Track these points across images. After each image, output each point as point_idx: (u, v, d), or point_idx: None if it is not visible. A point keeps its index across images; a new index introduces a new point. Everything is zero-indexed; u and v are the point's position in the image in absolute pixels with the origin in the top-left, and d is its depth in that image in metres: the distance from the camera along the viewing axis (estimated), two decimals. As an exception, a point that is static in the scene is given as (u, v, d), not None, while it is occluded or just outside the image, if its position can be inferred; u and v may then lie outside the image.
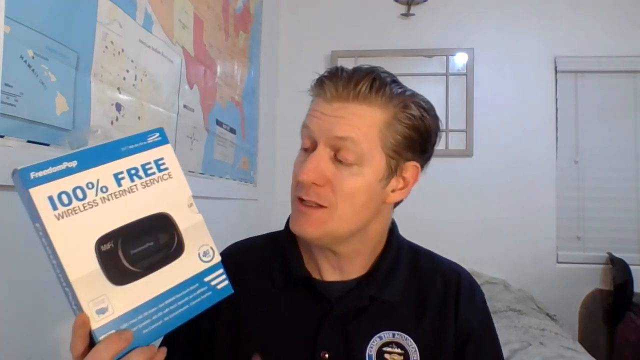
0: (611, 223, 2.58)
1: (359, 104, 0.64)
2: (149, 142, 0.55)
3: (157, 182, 0.54)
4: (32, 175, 0.46)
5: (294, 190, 0.68)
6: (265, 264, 0.75)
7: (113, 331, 0.48)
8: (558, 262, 2.59)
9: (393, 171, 0.67)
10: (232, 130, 1.82)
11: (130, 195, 0.52)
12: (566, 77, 2.63)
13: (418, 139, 0.67)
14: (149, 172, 0.54)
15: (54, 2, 0.79)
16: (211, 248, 0.57)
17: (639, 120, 2.59)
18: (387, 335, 0.68)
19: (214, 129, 1.61)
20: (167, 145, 0.56)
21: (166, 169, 0.55)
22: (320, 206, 0.64)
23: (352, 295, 0.70)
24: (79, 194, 0.48)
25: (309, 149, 0.67)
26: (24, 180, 0.46)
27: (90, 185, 0.49)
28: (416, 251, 0.77)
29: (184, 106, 1.35)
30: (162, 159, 0.55)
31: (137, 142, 0.54)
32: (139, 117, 1.08)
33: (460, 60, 2.68)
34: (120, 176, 0.51)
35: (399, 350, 0.67)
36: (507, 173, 2.61)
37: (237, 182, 1.90)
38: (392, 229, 0.76)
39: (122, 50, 1.00)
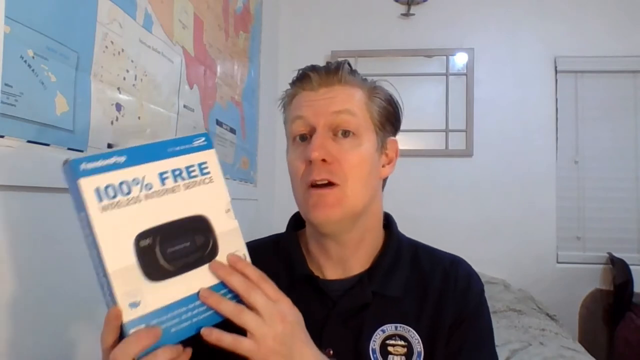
0: (611, 223, 2.58)
1: (342, 85, 0.70)
2: (194, 145, 0.56)
3: (199, 185, 0.56)
4: (83, 166, 0.48)
5: (302, 178, 0.68)
6: (269, 265, 0.75)
7: (143, 326, 0.49)
8: (558, 262, 2.59)
9: (380, 145, 0.72)
10: (232, 130, 1.82)
11: (172, 195, 0.53)
12: (566, 77, 2.63)
13: (393, 111, 0.74)
14: (192, 174, 0.55)
15: (54, 2, 0.79)
16: (244, 255, 0.58)
17: (639, 120, 2.59)
18: (389, 329, 0.69)
19: (214, 129, 1.61)
20: (211, 150, 0.57)
21: (208, 173, 0.57)
22: (332, 185, 0.66)
23: (355, 292, 0.71)
24: (125, 188, 0.50)
25: (306, 135, 0.69)
26: (74, 170, 0.47)
27: (135, 182, 0.51)
28: (416, 247, 0.78)
29: (184, 106, 1.35)
30: (205, 162, 0.57)
31: (183, 145, 0.55)
32: (139, 117, 1.08)
33: (460, 60, 2.68)
34: (164, 175, 0.53)
35: (402, 343, 0.68)
36: (507, 173, 2.61)
37: (237, 182, 1.90)
38: (391, 225, 0.78)
39: (122, 50, 1.00)
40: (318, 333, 0.68)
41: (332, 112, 0.67)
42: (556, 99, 2.64)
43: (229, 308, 0.53)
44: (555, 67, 2.63)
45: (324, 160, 0.66)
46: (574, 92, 2.64)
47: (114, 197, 0.49)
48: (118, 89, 0.99)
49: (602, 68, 2.60)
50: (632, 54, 2.56)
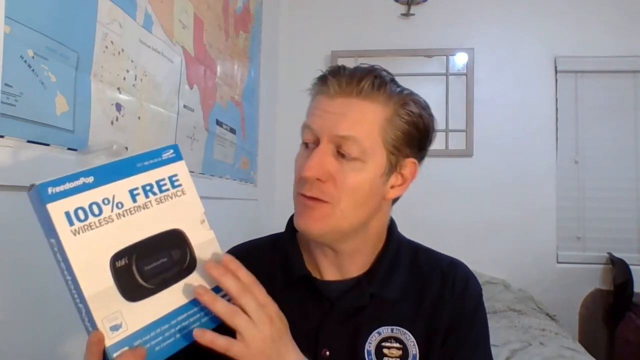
0: (611, 223, 2.58)
1: (361, 100, 0.65)
2: (163, 158, 0.55)
3: (171, 198, 0.55)
4: (50, 190, 0.46)
5: (296, 187, 0.69)
6: (267, 265, 0.75)
7: (126, 348, 0.48)
8: (558, 262, 2.59)
9: (393, 167, 0.68)
10: (232, 130, 1.82)
11: (145, 211, 0.52)
12: (566, 77, 2.63)
13: (417, 135, 0.69)
14: (163, 188, 0.54)
15: (54, 2, 0.79)
16: None
17: (639, 120, 2.59)
18: (385, 331, 0.69)
19: (214, 129, 1.61)
20: (181, 162, 0.57)
21: (179, 185, 0.56)
22: (323, 201, 0.65)
23: (353, 294, 0.70)
24: (95, 209, 0.49)
25: (310, 144, 0.68)
26: (41, 195, 0.46)
27: (106, 201, 0.50)
28: (416, 249, 0.77)
29: (184, 106, 1.35)
30: (175, 175, 0.56)
31: (152, 159, 0.54)
32: (139, 117, 1.08)
33: (460, 60, 2.68)
34: (135, 192, 0.52)
35: (397, 345, 0.68)
36: (507, 173, 2.61)
37: (237, 182, 1.90)
38: (392, 227, 0.77)
39: (122, 50, 1.00)
40: (314, 333, 0.68)
41: (337, 135, 0.65)
42: (556, 99, 2.64)
43: (222, 308, 0.52)
44: (555, 67, 2.62)
45: (318, 178, 0.65)
46: (574, 92, 2.64)
47: (85, 219, 0.48)
48: (118, 89, 0.99)
49: (602, 68, 2.60)
50: (632, 54, 2.56)
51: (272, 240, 0.81)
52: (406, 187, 0.71)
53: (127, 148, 0.98)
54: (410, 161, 0.70)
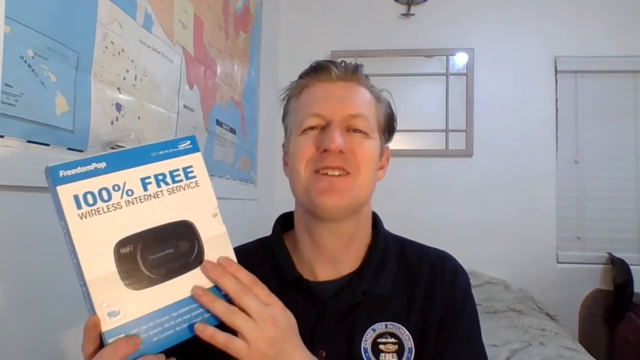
0: (611, 223, 2.58)
1: (359, 84, 0.73)
2: (179, 149, 0.55)
3: (184, 189, 0.54)
4: (61, 173, 0.47)
5: (308, 163, 0.69)
6: (256, 268, 0.75)
7: (122, 335, 0.48)
8: (558, 262, 2.59)
9: (382, 149, 0.75)
10: (232, 130, 1.82)
11: (155, 200, 0.52)
12: (566, 77, 2.63)
13: (393, 117, 0.77)
14: (177, 179, 0.54)
15: (54, 2, 0.79)
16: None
17: (639, 120, 2.59)
18: (380, 327, 0.69)
19: (214, 129, 1.61)
20: (197, 154, 0.56)
21: (194, 177, 0.55)
22: (345, 174, 0.68)
23: (345, 293, 0.71)
24: (105, 195, 0.49)
25: (316, 128, 0.70)
26: (53, 177, 0.47)
27: (116, 188, 0.50)
28: (402, 242, 0.78)
29: (184, 106, 1.36)
30: (190, 166, 0.55)
31: (167, 149, 0.54)
32: (139, 117, 1.08)
33: (460, 60, 2.68)
34: (147, 181, 0.52)
35: (393, 340, 0.69)
36: (507, 173, 2.61)
37: (237, 182, 1.90)
38: (378, 223, 0.79)
39: (122, 50, 1.00)
40: (310, 335, 0.68)
41: (348, 115, 0.69)
42: (556, 99, 2.64)
43: (221, 308, 0.52)
44: (555, 67, 2.63)
45: (340, 151, 0.67)
46: (574, 92, 2.64)
47: (93, 204, 0.48)
48: (118, 89, 0.99)
49: (602, 68, 2.60)
50: (632, 54, 2.56)
51: (260, 243, 0.81)
52: (385, 171, 0.78)
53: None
54: (386, 147, 0.78)
